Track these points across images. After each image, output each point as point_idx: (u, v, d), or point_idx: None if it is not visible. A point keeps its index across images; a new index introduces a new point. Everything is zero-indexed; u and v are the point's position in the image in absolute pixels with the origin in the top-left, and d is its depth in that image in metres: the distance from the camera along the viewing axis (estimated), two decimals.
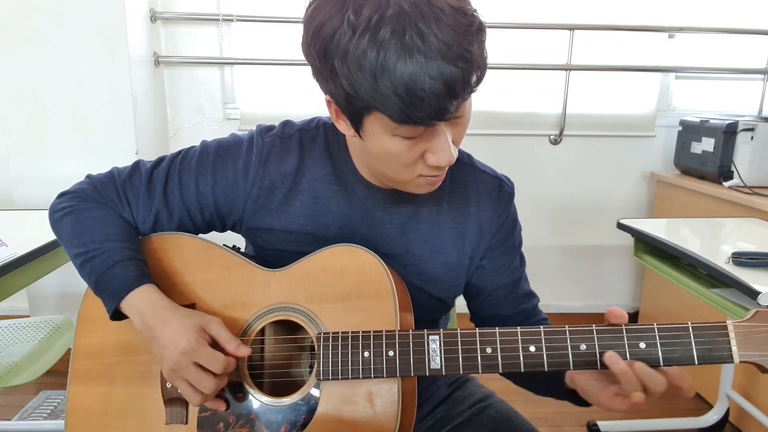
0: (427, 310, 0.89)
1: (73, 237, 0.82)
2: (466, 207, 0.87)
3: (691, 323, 0.68)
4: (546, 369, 0.70)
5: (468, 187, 0.88)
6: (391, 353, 0.73)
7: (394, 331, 0.74)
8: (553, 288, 2.60)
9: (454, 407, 0.97)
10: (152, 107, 2.15)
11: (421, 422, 0.96)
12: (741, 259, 1.28)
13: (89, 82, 1.92)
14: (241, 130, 2.26)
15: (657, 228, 1.62)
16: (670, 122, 2.44)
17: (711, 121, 2.18)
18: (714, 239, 1.65)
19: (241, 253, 0.85)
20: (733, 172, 2.10)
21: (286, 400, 0.77)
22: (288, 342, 0.85)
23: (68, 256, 0.83)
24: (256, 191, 0.84)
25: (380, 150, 0.71)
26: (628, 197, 2.54)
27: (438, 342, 0.72)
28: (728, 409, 1.94)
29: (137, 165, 0.88)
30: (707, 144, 2.18)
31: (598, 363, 0.69)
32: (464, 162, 0.90)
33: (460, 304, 1.01)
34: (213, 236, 0.89)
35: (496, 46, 2.22)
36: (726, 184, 2.09)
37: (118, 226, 0.83)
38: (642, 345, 0.69)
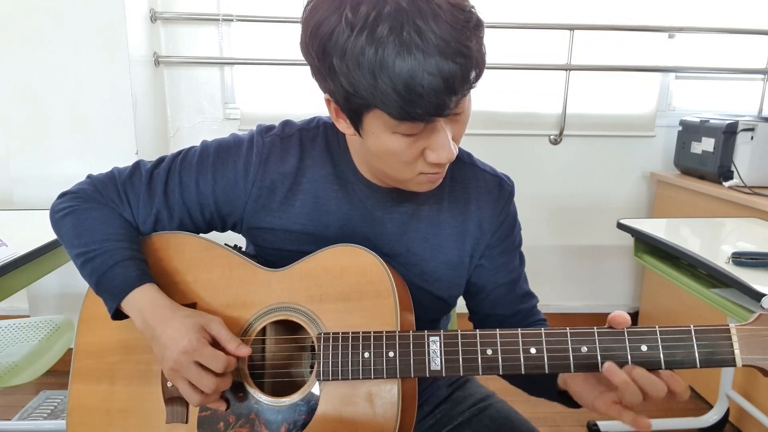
0: (429, 310, 0.89)
1: (74, 237, 0.82)
2: (467, 206, 0.87)
3: (694, 326, 0.68)
4: (546, 371, 0.70)
5: (468, 186, 0.88)
6: (391, 354, 0.73)
7: (395, 331, 0.74)
8: (553, 288, 2.59)
9: (454, 407, 0.97)
10: (152, 107, 2.15)
11: (421, 422, 0.96)
12: (741, 259, 1.28)
13: (89, 82, 1.92)
14: (241, 130, 2.26)
15: (657, 228, 1.62)
16: (670, 122, 2.44)
17: (711, 121, 2.18)
18: (714, 239, 1.65)
19: (243, 253, 0.85)
20: (733, 172, 2.10)
21: (286, 400, 0.77)
22: (288, 342, 0.85)
23: (69, 256, 0.83)
24: (256, 191, 0.84)
25: (380, 148, 0.71)
26: (628, 197, 2.54)
27: (438, 343, 0.72)
28: (728, 409, 1.94)
29: (138, 165, 0.88)
30: (707, 144, 2.18)
31: (599, 366, 0.69)
32: (464, 161, 0.90)
33: (461, 304, 1.01)
34: (214, 236, 0.89)
35: (496, 46, 2.23)
36: (726, 184, 2.09)
37: (118, 225, 0.83)
38: (644, 348, 0.68)
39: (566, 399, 0.79)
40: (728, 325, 0.68)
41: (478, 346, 0.71)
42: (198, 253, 0.84)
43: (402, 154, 0.70)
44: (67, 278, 1.99)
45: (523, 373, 0.70)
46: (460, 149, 0.84)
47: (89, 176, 0.89)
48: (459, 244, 0.87)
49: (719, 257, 1.32)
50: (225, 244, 0.86)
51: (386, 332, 0.74)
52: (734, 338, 0.67)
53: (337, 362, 0.74)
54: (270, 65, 2.22)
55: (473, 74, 0.64)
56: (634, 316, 2.62)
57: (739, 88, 2.56)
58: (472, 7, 0.65)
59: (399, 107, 0.63)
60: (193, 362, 0.71)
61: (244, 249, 0.92)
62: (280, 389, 0.80)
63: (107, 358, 0.83)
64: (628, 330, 0.69)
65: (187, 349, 0.71)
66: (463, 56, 0.62)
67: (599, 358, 0.69)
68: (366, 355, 0.73)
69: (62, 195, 0.88)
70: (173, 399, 0.79)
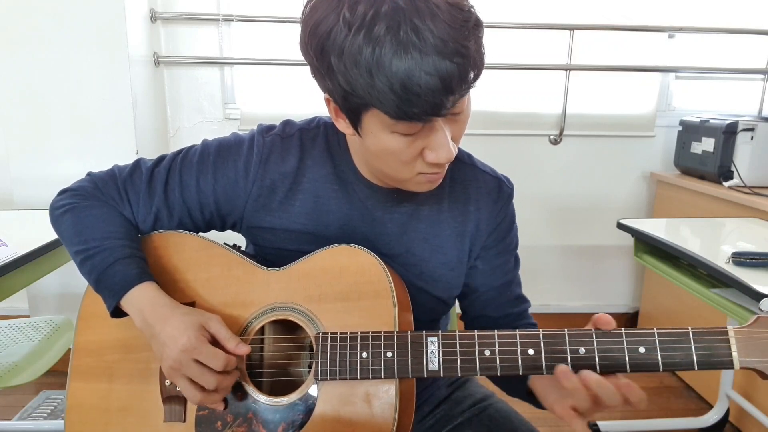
0: (428, 310, 0.89)
1: (74, 234, 0.82)
2: (466, 206, 0.87)
3: (692, 328, 0.68)
4: (544, 373, 0.70)
5: (468, 187, 0.88)
6: (389, 354, 0.73)
7: (393, 331, 0.74)
8: (553, 288, 2.59)
9: (454, 407, 0.97)
10: (152, 107, 2.15)
11: (421, 422, 0.96)
12: (741, 259, 1.28)
13: (89, 82, 1.92)
14: (242, 130, 2.26)
15: (657, 228, 1.62)
16: (670, 122, 2.44)
17: (711, 121, 2.18)
18: (714, 239, 1.65)
19: (242, 252, 0.85)
20: (733, 172, 2.10)
21: (284, 400, 0.77)
22: (287, 341, 0.85)
23: (69, 253, 0.83)
24: (256, 190, 0.84)
25: (379, 147, 0.71)
26: (628, 197, 2.54)
27: (436, 344, 0.72)
28: (728, 409, 1.94)
29: (138, 163, 0.88)
30: (707, 144, 2.18)
31: (597, 367, 0.69)
32: (464, 161, 0.90)
33: (459, 305, 1.01)
34: (213, 235, 0.89)
35: (496, 46, 2.23)
36: (726, 184, 2.09)
37: (118, 224, 0.83)
38: (641, 350, 0.68)
39: (533, 398, 0.79)
40: (726, 328, 0.68)
41: (476, 346, 0.71)
42: (197, 252, 0.84)
43: (400, 153, 0.70)
44: (67, 278, 1.99)
45: (521, 374, 0.70)
46: (460, 150, 0.84)
47: (89, 174, 0.89)
48: (458, 245, 0.87)
49: (719, 257, 1.32)
50: (224, 244, 0.86)
51: (384, 332, 0.74)
52: (732, 341, 0.67)
53: (335, 362, 0.74)
54: (270, 65, 2.22)
55: (471, 74, 0.64)
56: (634, 316, 2.62)
57: (739, 88, 2.56)
58: (471, 6, 0.65)
59: (396, 107, 0.63)
60: (192, 360, 0.72)
61: (243, 248, 0.92)
62: (278, 389, 0.80)
63: (106, 357, 0.83)
64: (625, 332, 0.69)
65: (186, 348, 0.71)
66: (461, 56, 0.61)
67: (597, 359, 0.69)
68: (364, 355, 0.73)
69: (62, 192, 0.88)
70: (171, 398, 0.79)
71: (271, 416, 0.77)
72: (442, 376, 0.72)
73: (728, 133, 2.10)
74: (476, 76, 0.65)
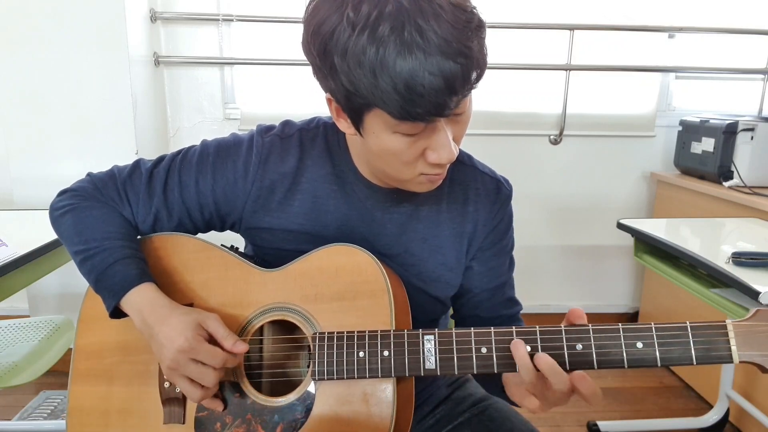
0: (427, 311, 0.89)
1: (74, 234, 0.82)
2: (465, 207, 0.87)
3: (690, 323, 0.68)
4: None
5: (467, 188, 0.88)
6: (386, 353, 0.73)
7: (389, 330, 0.74)
8: (553, 288, 2.59)
9: (454, 407, 0.97)
10: (152, 107, 2.15)
11: (421, 422, 0.96)
12: (741, 259, 1.28)
13: (89, 82, 1.92)
14: (241, 130, 2.26)
15: (657, 228, 1.62)
16: (670, 122, 2.44)
17: (711, 121, 2.18)
18: (714, 239, 1.65)
19: (240, 253, 0.85)
20: (733, 172, 2.10)
21: (282, 400, 0.77)
22: (284, 342, 0.85)
23: (69, 253, 0.84)
24: (255, 191, 0.84)
25: (381, 148, 0.71)
26: (628, 197, 2.54)
27: (433, 342, 0.72)
28: (728, 409, 1.94)
29: (138, 164, 0.88)
30: (707, 144, 2.18)
31: (595, 363, 0.69)
32: (464, 162, 0.90)
33: None
34: (211, 236, 0.89)
35: (496, 46, 2.22)
36: (726, 184, 2.08)
37: (118, 224, 0.84)
38: (639, 345, 0.68)
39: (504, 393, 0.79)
40: (725, 322, 0.67)
41: (472, 344, 0.71)
42: (194, 254, 0.84)
43: (402, 153, 0.70)
44: (67, 278, 1.99)
45: (518, 371, 0.70)
46: (460, 150, 0.84)
47: (89, 174, 0.89)
48: (457, 246, 0.87)
49: (719, 257, 1.32)
50: (222, 245, 0.86)
51: (381, 331, 0.74)
52: (731, 334, 0.66)
53: (333, 362, 0.74)
54: (270, 65, 2.22)
55: (474, 74, 0.64)
56: (634, 317, 2.62)
57: (739, 88, 2.56)
58: (474, 7, 0.65)
59: (399, 107, 0.63)
60: (190, 360, 0.72)
61: (242, 249, 0.92)
62: (276, 389, 0.80)
63: (106, 359, 0.83)
64: (623, 327, 0.69)
65: (183, 348, 0.71)
66: (464, 56, 0.62)
67: (594, 355, 0.69)
68: (361, 354, 0.73)
69: (62, 193, 0.88)
70: (171, 400, 0.79)
71: (269, 417, 0.77)
72: (439, 374, 0.72)
73: (728, 133, 2.10)
74: (479, 77, 0.65)
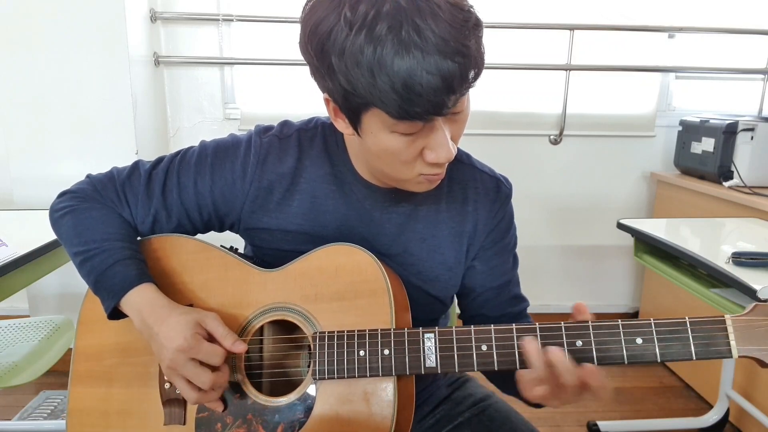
0: (427, 310, 0.89)
1: (74, 236, 0.82)
2: (464, 206, 0.87)
3: (689, 318, 0.68)
4: None
5: (466, 187, 0.88)
6: (386, 352, 0.73)
7: (390, 329, 0.74)
8: (553, 288, 2.59)
9: (454, 407, 0.97)
10: (152, 107, 2.15)
11: (421, 422, 0.96)
12: (741, 259, 1.28)
13: (89, 82, 1.92)
14: (241, 130, 2.26)
15: (657, 228, 1.62)
16: (670, 122, 2.44)
17: (711, 121, 2.18)
18: (714, 239, 1.65)
19: (239, 254, 0.85)
20: (733, 172, 2.10)
21: (283, 400, 0.77)
22: (284, 342, 0.85)
23: (68, 254, 0.84)
24: (254, 191, 0.84)
25: (379, 147, 0.71)
26: (628, 197, 2.54)
27: (433, 340, 0.72)
28: (728, 409, 1.94)
29: (136, 165, 0.88)
30: (707, 144, 2.18)
31: (595, 359, 0.69)
32: (463, 161, 0.90)
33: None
34: (211, 236, 0.89)
35: (496, 46, 2.23)
36: (726, 184, 2.08)
37: (118, 225, 0.84)
38: (639, 341, 0.68)
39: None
40: (723, 317, 0.67)
41: (472, 342, 0.71)
42: (194, 255, 0.84)
43: (401, 153, 0.70)
44: (67, 278, 1.99)
45: (518, 368, 0.71)
46: (459, 150, 0.84)
47: (88, 176, 0.89)
48: (456, 245, 0.87)
49: (719, 257, 1.32)
50: (221, 246, 0.86)
51: (381, 330, 0.74)
52: (730, 329, 0.67)
53: (333, 361, 0.74)
54: (270, 65, 2.22)
55: (472, 73, 0.64)
56: (634, 316, 2.62)
57: (739, 88, 2.56)
58: (471, 6, 0.65)
59: (397, 106, 0.63)
60: (189, 360, 0.72)
61: (241, 250, 0.92)
62: (277, 389, 0.80)
63: (106, 361, 0.83)
64: (622, 323, 0.69)
65: (182, 347, 0.71)
66: (461, 55, 0.62)
67: (594, 352, 0.69)
68: (361, 353, 0.73)
69: (61, 194, 0.88)
70: (171, 401, 0.79)
71: (270, 417, 0.77)
72: (439, 372, 0.72)
73: (728, 133, 2.10)
74: (477, 75, 0.65)
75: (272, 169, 0.84)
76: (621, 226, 1.66)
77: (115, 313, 0.78)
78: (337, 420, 0.74)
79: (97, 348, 0.84)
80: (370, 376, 0.73)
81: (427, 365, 0.72)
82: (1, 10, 1.85)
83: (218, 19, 2.20)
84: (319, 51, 0.66)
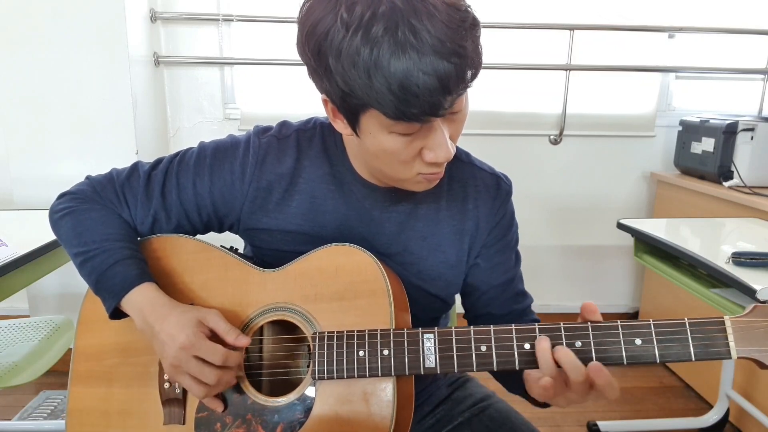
0: (427, 309, 0.89)
1: (74, 237, 0.82)
2: (464, 204, 0.87)
3: (688, 319, 0.68)
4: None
5: (466, 185, 0.88)
6: (386, 352, 0.73)
7: (389, 329, 0.74)
8: (553, 288, 2.59)
9: (454, 407, 0.97)
10: (152, 107, 2.15)
11: (420, 422, 0.96)
12: (741, 259, 1.28)
13: (89, 82, 1.92)
14: (241, 130, 2.26)
15: (657, 228, 1.62)
16: (670, 122, 2.44)
17: (711, 121, 2.18)
18: (714, 239, 1.64)
19: (239, 254, 0.85)
20: (733, 172, 2.10)
21: (282, 400, 0.77)
22: (284, 342, 0.85)
23: (68, 255, 0.84)
24: (253, 192, 0.84)
25: (378, 148, 0.71)
26: (628, 197, 2.54)
27: (433, 340, 0.72)
28: (728, 409, 1.94)
29: (136, 166, 0.88)
30: (707, 144, 2.18)
31: (594, 360, 0.69)
32: (462, 160, 0.90)
33: (460, 304, 1.00)
34: (211, 237, 0.89)
35: (496, 46, 2.23)
36: (726, 184, 2.08)
37: (117, 226, 0.84)
38: (638, 342, 0.68)
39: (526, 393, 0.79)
40: (723, 318, 0.67)
41: (472, 342, 0.71)
42: (194, 255, 0.84)
43: (399, 153, 0.70)
44: (67, 278, 1.99)
45: (517, 368, 0.71)
46: (458, 148, 0.84)
47: (88, 177, 0.90)
48: (457, 243, 0.87)
49: (719, 257, 1.32)
50: (221, 246, 0.86)
51: (381, 330, 0.74)
52: (729, 330, 0.67)
53: (332, 361, 0.74)
54: (270, 65, 2.22)
55: (469, 74, 0.64)
56: (634, 317, 2.62)
57: (739, 88, 2.56)
58: (468, 6, 0.65)
59: (394, 107, 0.63)
60: (192, 357, 0.72)
61: (241, 250, 0.92)
62: (277, 389, 0.80)
63: (106, 361, 0.83)
64: (622, 323, 0.69)
65: (185, 345, 0.72)
66: (458, 56, 0.62)
67: (593, 352, 0.69)
68: (361, 353, 0.73)
69: (61, 196, 0.88)
70: (171, 400, 0.79)
71: (269, 417, 0.77)
72: (439, 372, 0.72)
73: (728, 133, 2.10)
74: (474, 76, 0.65)
75: (271, 169, 0.84)
76: (621, 226, 1.66)
77: (117, 313, 0.78)
78: (336, 420, 0.74)
79: (97, 348, 0.84)
80: (370, 376, 0.73)
81: (426, 366, 0.72)
82: (1, 10, 1.85)
83: (218, 19, 2.20)
84: (316, 52, 0.66)
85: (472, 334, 0.72)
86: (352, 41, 0.61)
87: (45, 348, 1.47)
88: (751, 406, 1.80)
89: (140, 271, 0.79)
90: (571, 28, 2.27)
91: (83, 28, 1.88)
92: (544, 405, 0.77)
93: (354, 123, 0.70)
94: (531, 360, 0.70)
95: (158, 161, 0.88)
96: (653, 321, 0.68)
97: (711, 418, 1.94)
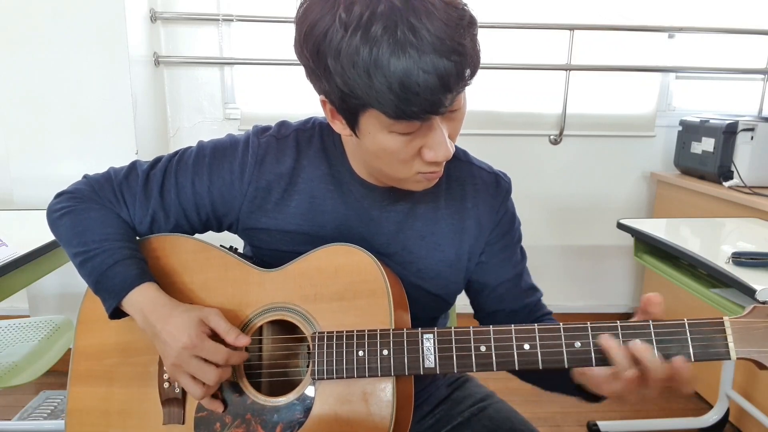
0: (427, 308, 0.89)
1: (73, 237, 0.82)
2: (463, 203, 0.87)
3: (688, 320, 0.68)
4: (540, 367, 0.70)
5: (465, 184, 0.88)
6: (385, 352, 0.73)
7: (389, 329, 0.74)
8: (553, 288, 2.59)
9: (454, 407, 0.97)
10: (152, 107, 2.15)
11: (420, 422, 0.96)
12: (741, 259, 1.28)
13: (89, 82, 1.92)
14: (241, 130, 2.26)
15: (657, 228, 1.62)
16: (670, 122, 2.44)
17: (711, 121, 2.18)
18: (714, 239, 1.64)
19: (239, 254, 0.85)
20: (733, 172, 2.10)
21: (282, 400, 0.77)
22: (284, 342, 0.85)
23: (68, 255, 0.84)
24: (252, 192, 0.84)
25: (377, 148, 0.71)
26: (628, 197, 2.53)
27: (432, 341, 0.72)
28: (728, 409, 1.94)
29: (134, 165, 0.88)
30: (707, 144, 2.18)
31: (593, 361, 0.69)
32: (461, 159, 0.90)
33: (460, 304, 1.00)
34: (210, 237, 0.89)
35: (496, 46, 2.23)
36: (726, 184, 2.08)
37: (116, 225, 0.84)
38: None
39: (581, 391, 0.77)
40: (722, 318, 0.67)
41: (471, 342, 0.71)
42: (193, 255, 0.84)
43: (399, 152, 0.70)
44: (67, 278, 1.99)
45: (516, 369, 0.70)
46: (456, 147, 0.84)
47: (85, 176, 0.89)
48: (456, 242, 0.87)
49: (719, 257, 1.32)
50: (220, 246, 0.86)
51: (380, 330, 0.74)
52: (728, 331, 0.66)
53: (332, 361, 0.74)
54: (270, 65, 2.22)
55: (468, 71, 0.64)
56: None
57: (739, 88, 2.56)
58: (465, 4, 0.65)
59: (395, 106, 0.63)
60: (193, 357, 0.72)
61: (241, 250, 0.92)
62: (276, 389, 0.80)
63: (105, 360, 0.83)
64: (621, 324, 0.69)
65: (187, 345, 0.72)
66: (457, 54, 0.62)
67: (593, 353, 0.69)
68: (360, 353, 0.73)
69: (59, 195, 0.88)
70: (170, 400, 0.79)
71: (269, 416, 0.77)
72: (438, 372, 0.72)
73: (728, 133, 2.10)
74: (473, 73, 0.65)
75: (270, 169, 0.84)
76: (621, 226, 1.66)
77: (116, 313, 0.78)
78: (335, 420, 0.74)
79: (97, 347, 0.84)
80: (369, 376, 0.73)
81: (425, 366, 0.72)
82: (1, 10, 1.85)
83: (218, 19, 2.20)
84: (315, 53, 0.66)
85: (472, 335, 0.72)
86: (352, 41, 0.61)
87: (45, 348, 1.47)
88: (751, 406, 1.80)
89: (140, 271, 0.79)
90: (571, 28, 2.27)
91: (83, 28, 1.88)
92: (597, 399, 0.75)
93: (353, 123, 0.70)
94: (530, 360, 0.70)
95: (157, 160, 0.88)
96: (652, 322, 0.68)
97: (711, 418, 1.94)
